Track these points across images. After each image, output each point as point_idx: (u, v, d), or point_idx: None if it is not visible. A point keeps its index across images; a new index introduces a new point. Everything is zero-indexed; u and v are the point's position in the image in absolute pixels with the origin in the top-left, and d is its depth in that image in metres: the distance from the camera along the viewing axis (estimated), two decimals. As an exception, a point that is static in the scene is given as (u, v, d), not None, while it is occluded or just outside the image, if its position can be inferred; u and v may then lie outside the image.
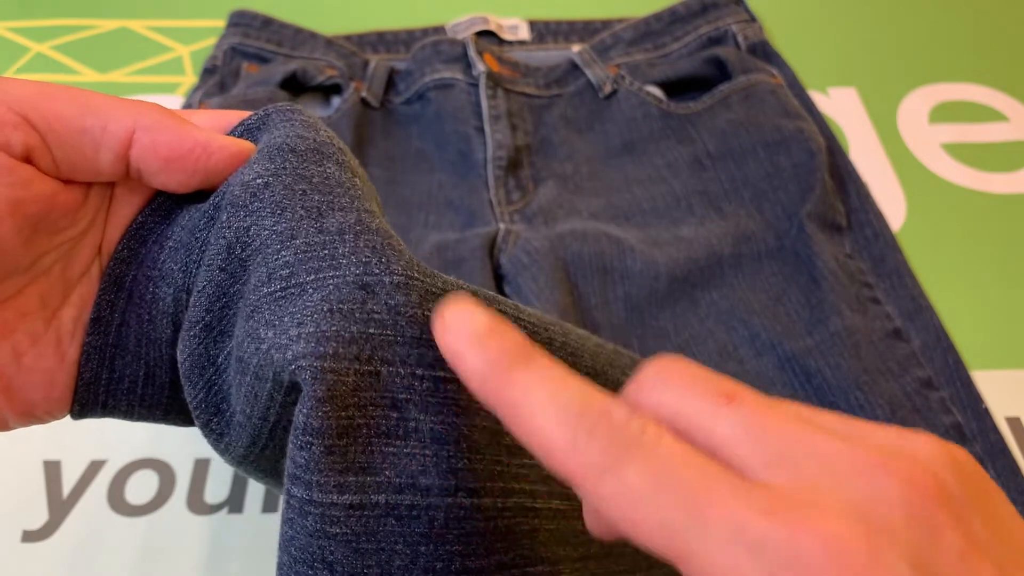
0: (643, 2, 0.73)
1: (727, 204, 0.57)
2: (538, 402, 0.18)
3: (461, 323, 0.19)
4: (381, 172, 0.61)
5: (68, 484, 0.46)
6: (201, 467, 0.47)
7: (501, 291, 0.52)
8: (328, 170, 0.24)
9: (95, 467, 0.47)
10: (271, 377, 0.22)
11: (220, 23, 0.72)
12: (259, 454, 0.25)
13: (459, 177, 0.60)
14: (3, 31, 0.75)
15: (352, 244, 0.23)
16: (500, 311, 0.26)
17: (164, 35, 0.75)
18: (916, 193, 0.61)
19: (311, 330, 0.21)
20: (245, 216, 0.24)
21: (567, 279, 0.52)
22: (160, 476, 0.46)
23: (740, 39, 0.66)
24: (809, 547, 0.15)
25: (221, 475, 0.46)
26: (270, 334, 0.22)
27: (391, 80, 0.66)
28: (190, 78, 0.70)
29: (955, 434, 0.45)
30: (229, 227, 0.24)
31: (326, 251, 0.22)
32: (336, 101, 0.64)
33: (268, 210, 0.23)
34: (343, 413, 0.21)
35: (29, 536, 0.44)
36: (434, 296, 0.23)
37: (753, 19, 0.68)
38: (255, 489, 0.46)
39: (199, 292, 0.25)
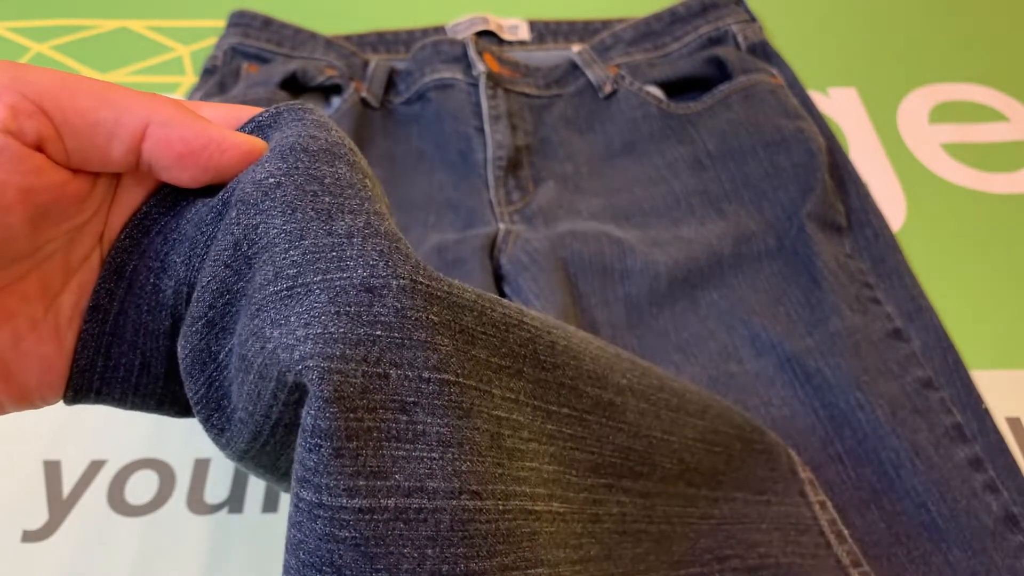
0: (643, 2, 0.73)
1: (727, 204, 0.57)
2: None
3: None
4: (381, 172, 0.61)
5: (68, 484, 0.46)
6: (201, 467, 0.47)
7: (501, 292, 0.52)
8: (339, 171, 0.24)
9: (95, 467, 0.47)
10: (275, 376, 0.22)
11: (220, 23, 0.72)
12: (260, 450, 0.25)
13: (459, 177, 0.60)
14: (3, 31, 0.75)
15: (360, 247, 0.23)
16: (504, 314, 0.26)
17: (164, 35, 0.75)
18: (916, 193, 0.61)
19: (318, 331, 0.21)
20: (255, 214, 0.24)
21: (567, 279, 0.52)
22: (160, 476, 0.46)
23: (740, 39, 0.66)
24: None
25: (221, 475, 0.46)
26: (276, 333, 0.22)
27: (391, 80, 0.66)
28: (190, 78, 0.70)
29: (955, 434, 0.45)
30: (238, 224, 0.24)
31: (334, 253, 0.23)
32: (336, 101, 0.64)
33: (279, 209, 0.24)
34: (352, 415, 0.21)
35: (29, 536, 0.44)
36: (439, 300, 0.23)
37: (753, 19, 0.68)
38: (255, 489, 0.46)
39: (203, 288, 0.25)
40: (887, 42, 0.73)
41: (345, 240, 0.23)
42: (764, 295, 0.52)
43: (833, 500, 0.43)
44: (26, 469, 0.47)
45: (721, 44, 0.66)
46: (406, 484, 0.22)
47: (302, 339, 0.21)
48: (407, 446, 0.22)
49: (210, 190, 0.26)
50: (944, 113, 0.67)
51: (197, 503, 0.45)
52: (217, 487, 0.46)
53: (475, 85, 0.63)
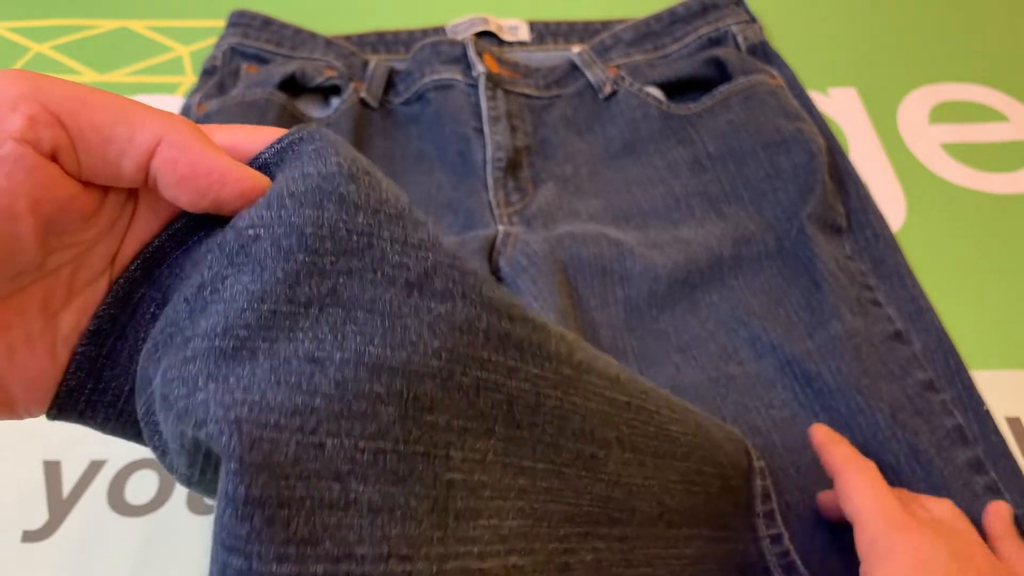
0: (643, 3, 0.73)
1: (727, 205, 0.57)
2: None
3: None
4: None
5: (68, 484, 0.46)
6: (201, 467, 0.47)
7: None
8: (324, 215, 0.24)
9: (95, 467, 0.47)
10: (192, 428, 0.22)
11: (220, 23, 0.72)
12: (201, 478, 0.25)
13: (458, 178, 0.60)
14: (3, 31, 0.75)
15: (314, 319, 0.23)
16: (477, 377, 0.26)
17: (164, 35, 0.75)
18: (916, 193, 0.61)
19: (256, 398, 0.22)
20: (228, 265, 0.24)
21: (566, 282, 0.52)
22: (160, 476, 0.46)
23: (740, 40, 0.66)
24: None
25: (221, 475, 0.46)
26: (211, 386, 0.22)
27: (391, 80, 0.66)
28: (190, 78, 0.70)
29: (956, 436, 0.45)
30: (210, 268, 0.24)
31: (287, 322, 0.23)
32: (335, 102, 0.64)
33: (249, 267, 0.24)
34: (283, 483, 0.21)
35: (29, 536, 0.44)
36: (390, 370, 0.24)
37: (753, 20, 0.68)
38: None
39: (164, 313, 0.25)
40: (887, 42, 0.73)
41: (302, 310, 0.23)
42: (764, 297, 0.52)
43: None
44: (26, 469, 0.47)
45: (721, 45, 0.66)
46: (335, 551, 0.22)
47: (239, 402, 0.22)
48: (339, 513, 0.22)
49: (225, 223, 0.27)
50: (944, 113, 0.67)
51: (197, 503, 0.45)
52: (217, 488, 0.46)
53: (475, 86, 0.63)
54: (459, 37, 0.68)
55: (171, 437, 0.24)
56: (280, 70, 0.63)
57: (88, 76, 0.71)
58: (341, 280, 0.24)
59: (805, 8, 0.77)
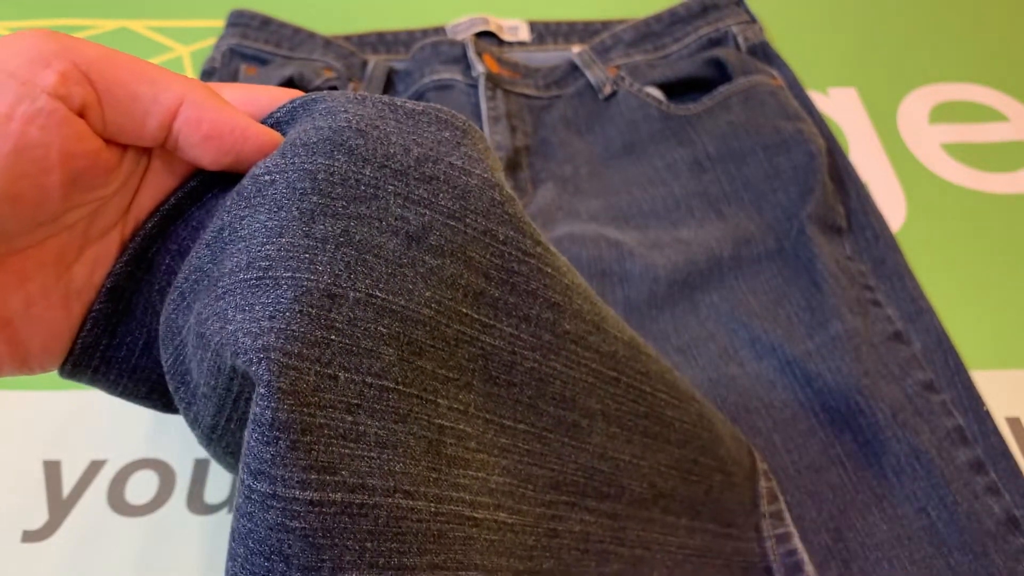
0: (644, 3, 0.73)
1: (727, 206, 0.57)
2: None
3: None
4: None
5: (68, 484, 0.46)
6: (201, 467, 0.47)
7: None
8: (335, 163, 0.25)
9: (95, 467, 0.47)
10: (230, 357, 0.23)
11: (220, 23, 0.72)
12: (225, 427, 0.26)
13: (458, 178, 0.60)
14: (3, 31, 0.75)
15: (331, 254, 0.24)
16: (459, 331, 0.27)
17: (164, 35, 0.75)
18: (916, 193, 0.61)
19: (282, 326, 0.23)
20: (245, 207, 0.25)
21: None
22: (160, 476, 0.46)
23: (740, 40, 0.66)
24: None
25: (221, 475, 0.46)
26: (239, 316, 0.23)
27: (390, 80, 0.66)
28: (190, 78, 0.70)
29: (956, 437, 0.45)
30: (228, 212, 0.26)
31: (307, 255, 0.24)
32: (335, 102, 0.64)
33: (266, 207, 0.25)
34: (305, 410, 0.23)
35: (29, 536, 0.44)
36: (392, 313, 0.25)
37: (753, 20, 0.68)
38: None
39: (186, 262, 0.27)
40: (887, 42, 0.73)
41: (319, 244, 0.24)
42: (764, 297, 0.52)
43: (834, 503, 0.43)
44: (26, 469, 0.47)
45: (721, 45, 0.66)
46: (351, 480, 0.23)
47: (266, 330, 0.23)
48: (351, 444, 0.24)
49: (235, 182, 0.28)
50: (944, 113, 0.67)
51: (197, 503, 0.45)
52: (217, 487, 0.46)
53: (474, 86, 0.63)
54: (459, 37, 0.68)
55: (205, 377, 0.25)
56: (278, 73, 0.63)
57: (88, 76, 0.71)
58: (352, 224, 0.25)
59: (805, 8, 0.77)
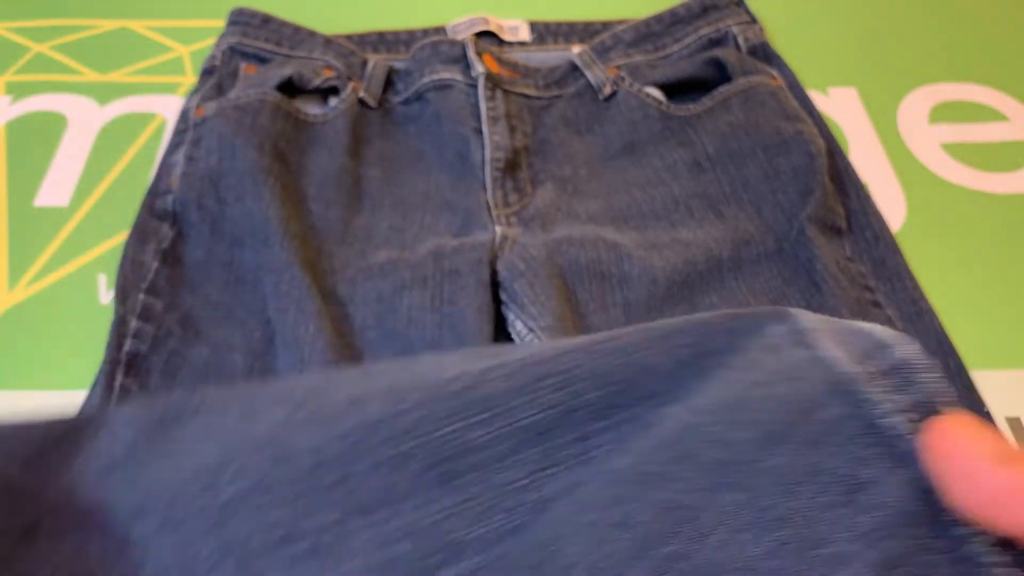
0: (645, 4, 0.73)
1: (726, 207, 0.57)
2: None
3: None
4: (378, 172, 0.60)
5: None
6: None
7: (497, 298, 0.52)
8: None
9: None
10: None
11: (220, 23, 0.72)
12: None
13: (456, 178, 0.60)
14: (3, 31, 0.75)
15: None
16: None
17: (164, 35, 0.75)
18: (916, 193, 0.61)
19: None
20: None
21: (564, 286, 0.51)
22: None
23: (741, 40, 0.66)
24: None
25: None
26: None
27: (390, 80, 0.66)
28: (190, 78, 0.70)
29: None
30: None
31: None
32: (333, 101, 0.64)
33: None
34: None
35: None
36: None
37: (754, 20, 0.68)
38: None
39: None
40: (887, 42, 0.73)
41: None
42: (764, 298, 0.52)
43: None
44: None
45: (721, 45, 0.66)
46: None
47: None
48: None
49: None
50: (944, 113, 0.67)
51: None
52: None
53: (474, 86, 0.63)
54: (459, 37, 0.68)
55: None
56: (277, 73, 0.63)
57: (88, 76, 0.71)
58: None
59: (805, 8, 0.77)
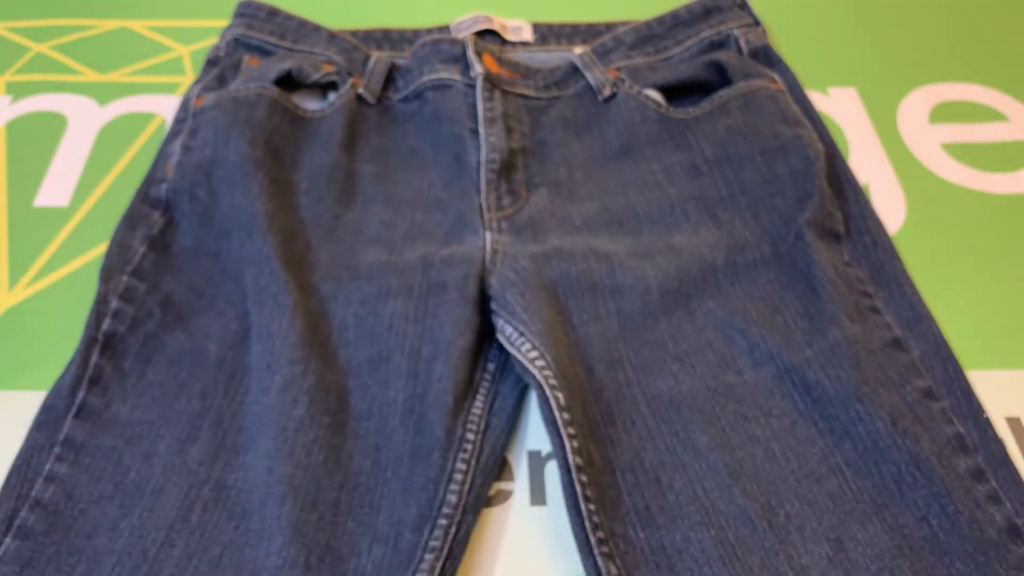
0: (647, 5, 0.73)
1: (723, 211, 0.56)
2: None
3: None
4: (372, 168, 0.60)
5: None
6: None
7: (483, 311, 0.51)
8: None
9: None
10: None
11: (220, 23, 0.72)
12: None
13: (451, 178, 0.59)
14: (3, 31, 0.75)
15: None
16: None
17: (164, 35, 0.75)
18: (916, 193, 0.61)
19: None
20: None
21: (555, 298, 0.51)
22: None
23: (742, 43, 0.66)
24: None
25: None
26: None
27: (391, 77, 0.66)
28: (190, 78, 0.70)
29: (957, 444, 0.45)
30: None
31: None
32: (332, 96, 0.64)
33: None
34: None
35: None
36: None
37: (757, 23, 0.68)
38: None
39: None
40: (887, 42, 0.73)
41: None
42: (762, 304, 0.51)
43: (834, 512, 0.43)
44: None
45: (723, 48, 0.66)
46: None
47: None
48: None
49: None
50: (944, 113, 0.67)
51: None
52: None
53: (472, 86, 0.63)
54: (461, 34, 0.68)
55: None
56: (277, 66, 0.63)
57: (88, 76, 0.71)
58: None
59: (805, 8, 0.77)
